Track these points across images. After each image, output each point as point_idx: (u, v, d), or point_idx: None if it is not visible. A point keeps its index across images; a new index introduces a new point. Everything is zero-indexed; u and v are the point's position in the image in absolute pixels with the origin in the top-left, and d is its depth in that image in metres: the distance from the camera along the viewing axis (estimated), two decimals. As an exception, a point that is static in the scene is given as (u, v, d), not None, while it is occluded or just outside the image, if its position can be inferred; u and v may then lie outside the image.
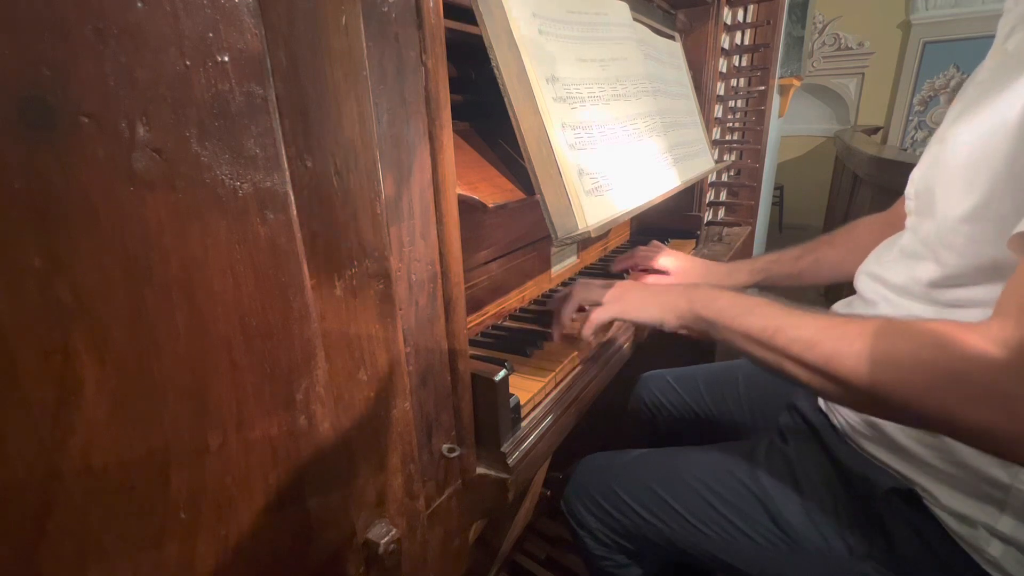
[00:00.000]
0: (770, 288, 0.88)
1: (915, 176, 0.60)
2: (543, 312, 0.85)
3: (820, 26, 4.36)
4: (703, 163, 1.12)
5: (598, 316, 0.69)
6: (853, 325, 0.47)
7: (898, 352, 0.43)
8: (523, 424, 0.58)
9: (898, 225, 0.72)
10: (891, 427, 0.57)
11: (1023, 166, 0.42)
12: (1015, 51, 0.49)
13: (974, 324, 0.41)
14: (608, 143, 0.71)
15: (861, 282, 0.66)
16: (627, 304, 0.68)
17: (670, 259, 0.93)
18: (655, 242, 1.02)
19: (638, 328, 0.83)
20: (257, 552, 0.34)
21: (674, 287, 0.67)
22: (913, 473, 0.55)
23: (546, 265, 0.96)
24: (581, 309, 0.74)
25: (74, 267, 0.23)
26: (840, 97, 4.51)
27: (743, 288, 0.90)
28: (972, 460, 0.50)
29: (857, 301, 0.67)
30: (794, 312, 0.52)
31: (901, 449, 0.56)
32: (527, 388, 0.62)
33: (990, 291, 0.47)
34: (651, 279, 0.92)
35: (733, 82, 1.64)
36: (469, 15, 0.54)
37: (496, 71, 0.55)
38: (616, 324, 0.79)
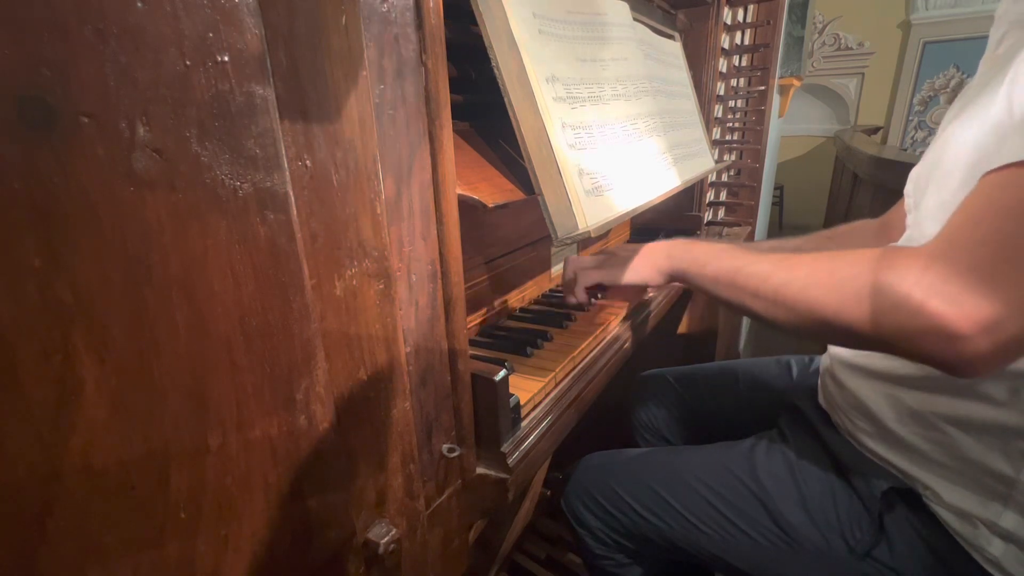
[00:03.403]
0: None
1: (913, 174, 0.61)
2: (543, 312, 0.85)
3: (820, 26, 4.36)
4: (703, 163, 1.12)
5: (585, 280, 0.74)
6: (803, 256, 0.50)
7: (836, 270, 0.46)
8: (523, 424, 0.58)
9: (891, 231, 0.73)
10: (893, 423, 0.57)
11: (1004, 122, 0.43)
12: (1004, 55, 0.50)
13: (909, 247, 0.43)
14: (608, 143, 0.71)
15: None
16: (614, 269, 0.72)
17: None
18: None
19: (632, 292, 0.85)
20: (257, 552, 0.34)
21: (655, 246, 0.71)
22: (915, 469, 0.55)
23: (546, 265, 0.96)
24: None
25: (74, 267, 0.23)
26: (840, 97, 4.51)
27: None
28: (976, 454, 0.50)
29: None
30: (756, 254, 0.55)
31: (903, 445, 0.56)
32: (527, 388, 0.62)
33: None
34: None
35: (733, 82, 1.64)
36: (469, 15, 0.54)
37: (496, 71, 0.55)
38: (625, 306, 0.83)
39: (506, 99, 0.55)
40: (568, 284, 0.77)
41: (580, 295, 0.76)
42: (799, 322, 0.50)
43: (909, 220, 0.61)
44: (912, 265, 0.41)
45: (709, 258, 0.61)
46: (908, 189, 0.62)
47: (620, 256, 0.72)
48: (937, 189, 0.52)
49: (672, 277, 0.68)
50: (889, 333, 0.42)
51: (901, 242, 0.60)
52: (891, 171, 2.08)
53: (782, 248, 0.88)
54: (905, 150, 3.93)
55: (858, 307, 0.43)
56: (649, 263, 0.70)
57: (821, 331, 0.49)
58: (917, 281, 0.40)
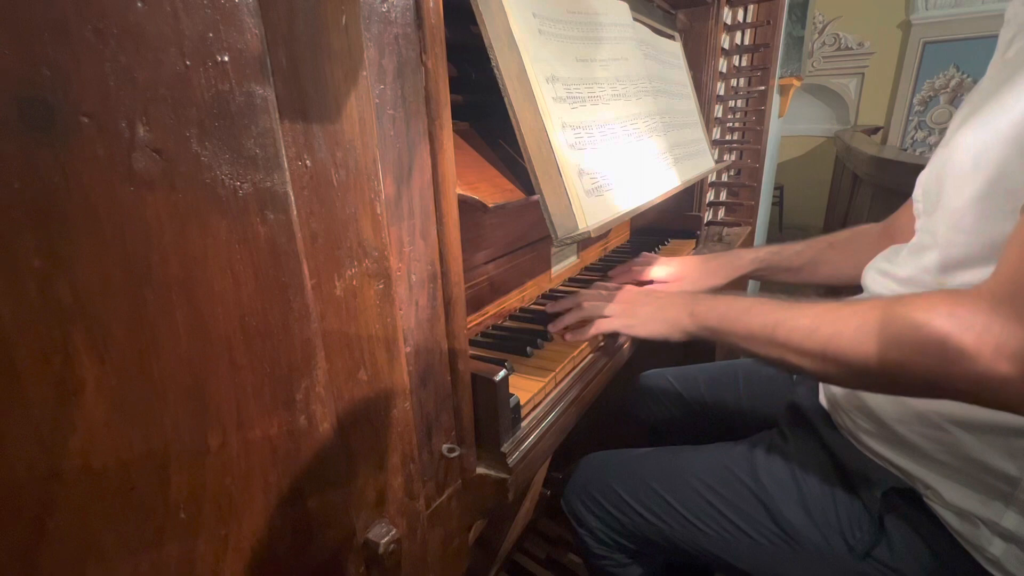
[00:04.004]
0: (771, 285, 0.88)
1: (922, 179, 0.61)
2: (543, 312, 0.85)
3: (820, 26, 4.36)
4: (703, 163, 1.12)
5: (603, 327, 0.70)
6: (848, 306, 0.49)
7: (891, 320, 0.44)
8: (523, 424, 0.58)
9: (895, 236, 0.73)
10: (895, 422, 0.57)
11: None
12: (1014, 57, 0.49)
13: (967, 289, 0.42)
14: (608, 143, 0.71)
15: (869, 278, 0.67)
16: (633, 320, 0.70)
17: (664, 269, 0.92)
18: (645, 254, 1.01)
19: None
20: (257, 552, 0.34)
21: (676, 299, 0.68)
22: (917, 469, 0.55)
23: (546, 265, 0.96)
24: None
25: (74, 267, 0.23)
26: (840, 97, 4.50)
27: (743, 275, 0.91)
28: (979, 454, 0.50)
29: (864, 296, 0.67)
30: (791, 305, 0.54)
31: (906, 444, 0.56)
32: (527, 388, 0.62)
33: None
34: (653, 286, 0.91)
35: (733, 82, 1.64)
36: (469, 15, 0.54)
37: (496, 71, 0.55)
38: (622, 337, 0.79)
39: (506, 99, 0.55)
40: (568, 306, 0.74)
41: (565, 321, 0.72)
42: (855, 376, 0.48)
43: (919, 225, 0.60)
44: (975, 311, 0.40)
45: (738, 313, 0.58)
46: (916, 194, 0.62)
47: (638, 307, 0.70)
48: (952, 195, 0.51)
49: (697, 336, 0.65)
50: (956, 384, 0.41)
51: (910, 246, 0.60)
52: (891, 171, 2.08)
53: (781, 253, 0.88)
54: (905, 150, 3.93)
55: (923, 360, 0.42)
56: (670, 320, 0.66)
57: (882, 385, 0.48)
58: (986, 329, 0.39)
